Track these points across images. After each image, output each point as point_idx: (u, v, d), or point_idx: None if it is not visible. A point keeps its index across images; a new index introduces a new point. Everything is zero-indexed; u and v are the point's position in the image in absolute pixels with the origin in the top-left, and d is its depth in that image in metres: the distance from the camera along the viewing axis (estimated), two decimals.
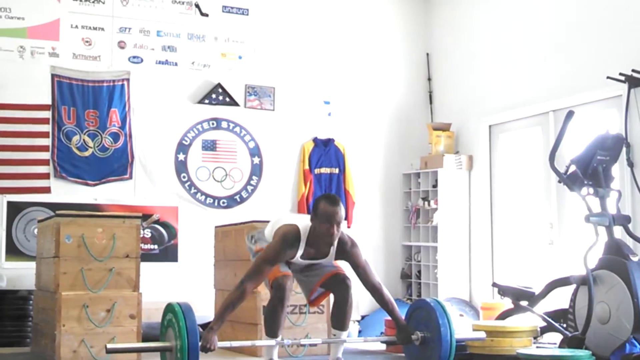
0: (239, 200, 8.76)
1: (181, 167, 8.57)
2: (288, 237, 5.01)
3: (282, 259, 5.04)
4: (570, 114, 6.32)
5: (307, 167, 8.84)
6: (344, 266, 5.31)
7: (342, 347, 5.24)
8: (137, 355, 6.09)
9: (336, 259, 5.18)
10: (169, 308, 4.98)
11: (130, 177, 8.35)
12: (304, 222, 5.08)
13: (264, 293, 5.51)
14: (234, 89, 8.82)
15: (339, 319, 5.25)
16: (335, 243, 5.07)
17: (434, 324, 5.27)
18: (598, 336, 5.93)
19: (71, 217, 6.27)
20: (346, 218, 8.82)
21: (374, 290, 5.29)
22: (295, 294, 6.41)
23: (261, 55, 8.99)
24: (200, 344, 4.74)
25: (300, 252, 5.05)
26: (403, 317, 5.45)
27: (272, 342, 5.05)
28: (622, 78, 6.99)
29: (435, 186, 9.07)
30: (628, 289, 5.84)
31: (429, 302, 5.47)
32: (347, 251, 5.15)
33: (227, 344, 5.26)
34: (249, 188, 8.80)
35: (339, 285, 5.19)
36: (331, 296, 5.42)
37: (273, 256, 5.00)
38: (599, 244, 6.12)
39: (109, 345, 4.98)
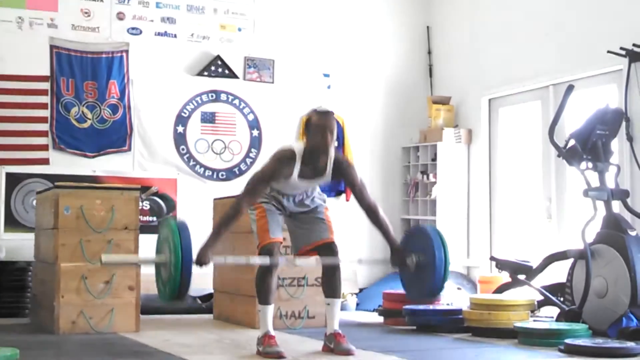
0: (237, 172, 8.76)
1: (180, 140, 8.56)
2: (283, 156, 5.03)
3: (277, 177, 5.02)
4: (570, 88, 6.31)
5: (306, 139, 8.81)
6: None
7: (338, 317, 5.21)
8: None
9: (333, 178, 5.14)
10: (165, 223, 4.97)
11: (129, 149, 8.34)
12: (298, 145, 5.12)
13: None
14: (233, 62, 8.79)
15: (330, 286, 5.22)
16: (331, 162, 5.06)
17: (429, 249, 5.21)
18: (595, 310, 5.96)
19: (70, 188, 6.28)
20: (345, 192, 8.84)
21: (370, 210, 5.29)
22: (293, 267, 6.44)
23: (260, 27, 8.95)
24: (194, 258, 4.75)
25: (296, 171, 5.01)
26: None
27: (266, 260, 5.03)
28: (623, 52, 6.97)
29: (434, 160, 9.06)
30: (625, 264, 5.86)
31: (425, 228, 5.47)
32: (343, 169, 5.17)
33: (221, 258, 5.29)
34: (248, 160, 8.80)
35: (326, 251, 5.19)
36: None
37: (269, 174, 5.03)
38: (597, 218, 6.14)
39: (104, 258, 4.97)
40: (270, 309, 5.14)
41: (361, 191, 5.25)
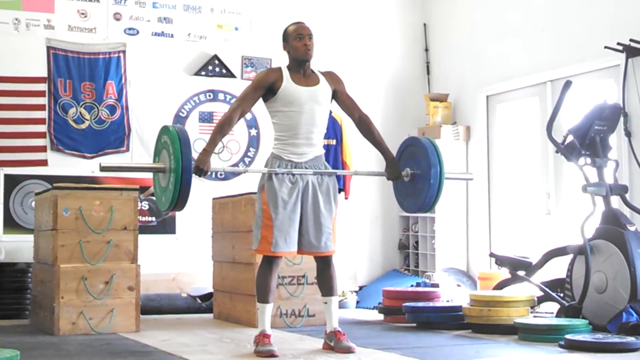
0: (236, 172, 8.75)
1: None
2: (268, 69, 5.18)
3: (267, 80, 5.08)
4: (567, 84, 6.31)
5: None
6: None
7: (336, 315, 5.20)
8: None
9: (332, 91, 5.23)
10: (164, 130, 4.94)
11: (127, 150, 8.33)
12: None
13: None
14: (230, 61, 8.78)
15: (325, 285, 5.21)
16: (318, 71, 5.22)
17: (424, 161, 5.20)
18: (595, 305, 5.97)
19: (69, 189, 6.28)
20: (344, 189, 8.84)
21: (362, 120, 5.34)
22: (293, 265, 6.45)
23: (257, 26, 8.95)
24: (193, 165, 4.77)
25: (286, 75, 5.10)
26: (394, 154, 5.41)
27: (263, 169, 5.08)
28: (620, 48, 6.97)
29: None
30: (625, 259, 5.87)
31: (420, 139, 5.40)
32: (334, 76, 5.30)
33: (219, 167, 5.34)
34: (247, 160, 8.79)
35: (323, 262, 5.19)
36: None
37: (258, 81, 5.11)
38: (596, 213, 6.15)
39: (103, 164, 4.98)
40: (269, 308, 5.13)
41: (351, 100, 5.32)
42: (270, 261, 5.10)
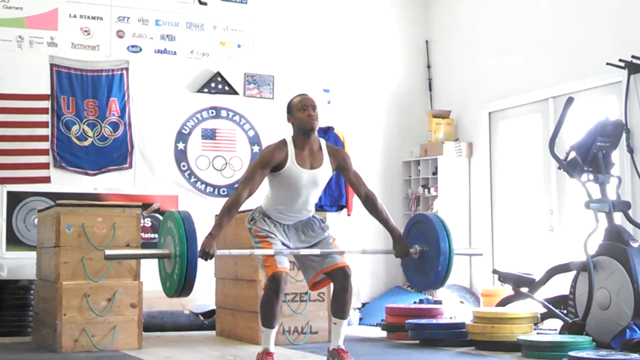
0: None
1: (181, 156, 8.57)
2: (273, 144, 5.09)
3: (273, 161, 5.01)
4: (570, 101, 6.31)
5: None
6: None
7: (343, 335, 5.18)
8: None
9: (332, 165, 5.13)
10: (169, 215, 4.92)
11: (130, 167, 8.34)
12: (287, 135, 5.18)
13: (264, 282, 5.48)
14: (233, 78, 8.81)
15: (339, 308, 5.17)
16: (325, 146, 5.13)
17: (432, 237, 5.12)
18: (598, 322, 5.95)
19: (71, 206, 6.28)
20: (346, 206, 8.84)
21: (368, 198, 5.27)
22: (296, 282, 6.44)
23: (260, 43, 8.97)
24: (199, 249, 4.73)
25: (291, 154, 5.03)
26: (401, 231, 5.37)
27: (270, 251, 4.96)
28: (622, 64, 6.98)
29: (435, 173, 9.07)
30: (628, 275, 5.85)
31: (427, 215, 5.35)
32: (340, 153, 5.21)
33: (225, 252, 5.29)
34: None
35: (338, 273, 5.12)
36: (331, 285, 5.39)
37: (265, 158, 5.04)
38: (599, 230, 6.13)
39: (107, 252, 4.94)
40: (273, 332, 5.06)
41: (357, 178, 5.25)
42: (277, 281, 4.95)
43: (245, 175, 5.17)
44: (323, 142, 5.16)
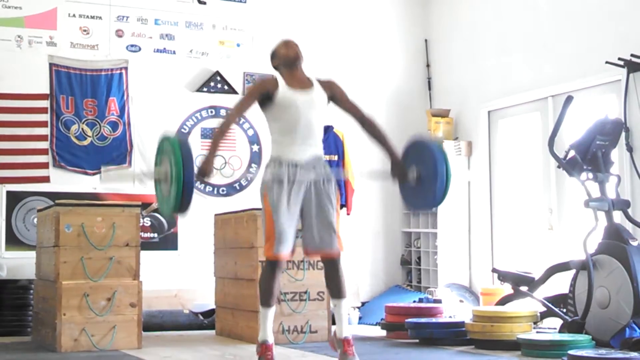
0: (238, 188, 8.76)
1: None
2: (263, 77, 5.17)
3: (263, 87, 5.12)
4: (569, 99, 6.32)
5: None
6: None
7: (346, 320, 5.08)
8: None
9: (325, 92, 5.20)
10: (165, 138, 4.95)
11: (130, 166, 8.33)
12: None
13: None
14: (232, 77, 8.80)
15: (334, 287, 5.09)
16: (315, 78, 5.22)
17: (430, 161, 5.10)
18: (598, 321, 5.95)
19: (71, 206, 6.28)
20: (346, 205, 8.83)
21: (365, 120, 5.30)
22: (296, 282, 6.44)
23: (259, 43, 8.97)
24: (197, 169, 4.81)
25: (281, 81, 5.11)
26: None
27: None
28: (621, 63, 6.98)
29: None
30: (628, 274, 5.85)
31: (424, 138, 5.35)
32: (331, 83, 5.29)
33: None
34: (249, 176, 8.80)
35: (330, 264, 5.09)
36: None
37: (254, 88, 5.21)
38: (598, 228, 6.14)
39: (104, 174, 4.93)
40: (271, 313, 5.03)
41: (352, 102, 5.30)
42: (273, 264, 5.02)
43: (236, 103, 5.27)
44: (313, 76, 5.25)
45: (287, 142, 5.09)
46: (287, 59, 5.20)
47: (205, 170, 4.91)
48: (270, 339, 5.03)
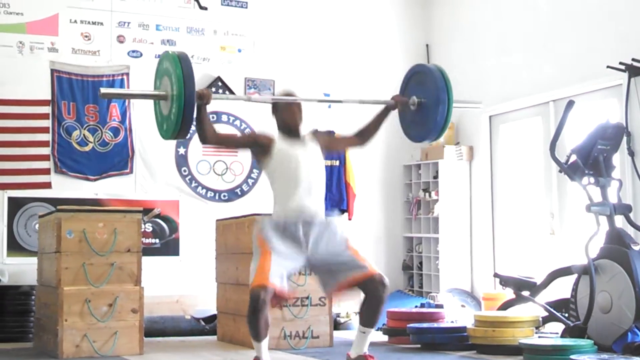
0: (240, 193, 8.76)
1: (182, 161, 8.57)
2: (258, 130, 5.08)
3: (258, 136, 5.05)
4: (570, 104, 6.31)
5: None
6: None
7: (368, 342, 4.99)
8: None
9: (321, 146, 5.09)
10: (165, 56, 4.86)
11: (131, 172, 8.35)
12: None
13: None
14: (233, 82, 8.80)
15: (370, 316, 4.94)
16: (307, 136, 5.09)
17: (432, 88, 5.09)
18: (600, 325, 5.94)
19: (72, 212, 6.28)
20: (347, 210, 8.84)
21: (360, 137, 5.31)
22: (297, 287, 6.43)
23: (260, 48, 8.98)
24: (195, 92, 4.69)
25: (277, 139, 5.00)
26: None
27: (267, 97, 4.95)
28: (622, 67, 6.98)
29: (436, 177, 9.07)
30: (630, 278, 5.84)
31: (427, 66, 5.33)
32: (325, 134, 5.26)
33: (223, 95, 5.27)
34: (250, 181, 8.80)
35: (374, 283, 4.89)
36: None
37: (250, 132, 5.01)
38: (600, 233, 6.13)
39: (103, 90, 4.89)
40: (265, 342, 4.76)
41: (342, 137, 5.34)
42: (257, 296, 4.59)
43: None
44: (301, 121, 5.13)
45: (287, 203, 4.92)
46: (286, 126, 5.08)
47: (203, 94, 4.78)
48: (265, 359, 4.80)
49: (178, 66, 4.65)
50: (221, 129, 8.52)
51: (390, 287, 9.31)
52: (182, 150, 8.56)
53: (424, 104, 5.18)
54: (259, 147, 5.02)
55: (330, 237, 4.92)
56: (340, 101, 5.30)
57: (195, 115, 4.77)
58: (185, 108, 4.60)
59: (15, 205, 7.91)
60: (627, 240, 6.05)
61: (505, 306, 6.83)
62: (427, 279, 9.10)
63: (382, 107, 5.36)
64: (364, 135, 5.33)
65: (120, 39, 8.46)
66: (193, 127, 4.86)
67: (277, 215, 4.94)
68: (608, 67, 7.06)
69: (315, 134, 5.22)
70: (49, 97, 8.11)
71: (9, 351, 6.54)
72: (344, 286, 4.91)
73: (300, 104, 5.09)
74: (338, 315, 7.93)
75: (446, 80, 5.14)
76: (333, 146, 5.28)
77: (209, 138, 4.98)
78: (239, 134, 5.11)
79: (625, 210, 6.32)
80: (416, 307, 8.18)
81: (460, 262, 8.91)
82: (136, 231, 6.34)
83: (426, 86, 5.17)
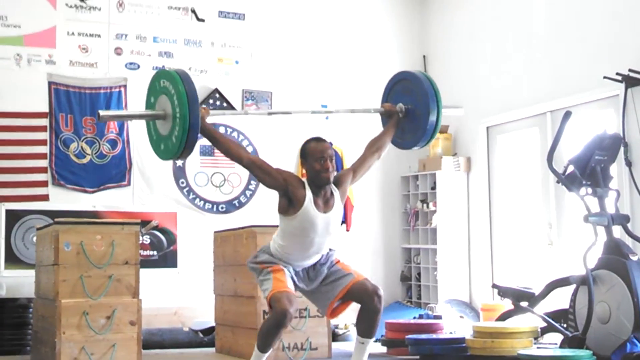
0: (237, 205, 8.76)
1: (179, 173, 8.57)
2: (293, 175, 4.87)
3: (291, 185, 4.76)
4: (567, 115, 6.32)
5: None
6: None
7: (367, 353, 5.02)
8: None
9: (342, 196, 4.93)
10: (162, 74, 4.70)
11: (129, 184, 8.35)
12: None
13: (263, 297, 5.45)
14: (231, 94, 8.82)
15: (367, 327, 4.98)
16: (334, 188, 4.89)
17: (421, 96, 5.07)
18: (599, 336, 5.93)
19: (70, 224, 6.26)
20: (345, 222, 8.83)
21: (372, 152, 5.24)
22: (297, 298, 6.41)
23: (258, 60, 8.99)
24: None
25: (309, 197, 4.75)
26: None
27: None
28: (619, 78, 7.00)
29: (433, 188, 9.07)
30: (628, 288, 5.84)
31: (414, 73, 5.31)
32: (341, 181, 4.97)
33: (219, 112, 5.13)
34: (248, 193, 8.80)
35: (368, 293, 4.90)
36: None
37: (286, 172, 4.85)
38: (598, 243, 6.12)
39: (102, 113, 4.80)
40: (266, 356, 4.83)
41: (359, 164, 5.17)
42: (280, 316, 4.61)
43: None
44: (332, 176, 4.89)
45: (296, 251, 4.89)
46: (318, 180, 4.82)
47: (203, 111, 4.70)
48: None
49: (181, 86, 4.54)
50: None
51: (388, 298, 9.36)
52: (179, 162, 8.56)
53: (410, 112, 5.19)
54: (287, 198, 4.82)
55: (325, 270, 5.00)
56: (331, 112, 5.25)
57: (204, 135, 4.72)
58: (190, 130, 4.50)
59: (12, 217, 7.90)
60: (625, 250, 6.05)
61: (503, 317, 6.82)
62: (425, 290, 9.09)
63: (387, 119, 5.34)
64: (378, 147, 5.27)
65: (118, 51, 8.47)
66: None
67: (280, 255, 4.93)
68: (605, 77, 7.07)
69: (339, 181, 4.97)
70: (46, 110, 8.11)
71: None
72: (337, 301, 4.99)
73: (332, 154, 4.86)
74: (336, 326, 7.91)
75: (433, 85, 5.19)
76: (356, 176, 5.15)
77: (234, 157, 4.83)
78: (272, 167, 4.86)
79: (623, 220, 6.32)
80: (415, 318, 8.18)
81: (459, 273, 8.90)
82: (134, 243, 6.32)
83: (414, 94, 5.17)
